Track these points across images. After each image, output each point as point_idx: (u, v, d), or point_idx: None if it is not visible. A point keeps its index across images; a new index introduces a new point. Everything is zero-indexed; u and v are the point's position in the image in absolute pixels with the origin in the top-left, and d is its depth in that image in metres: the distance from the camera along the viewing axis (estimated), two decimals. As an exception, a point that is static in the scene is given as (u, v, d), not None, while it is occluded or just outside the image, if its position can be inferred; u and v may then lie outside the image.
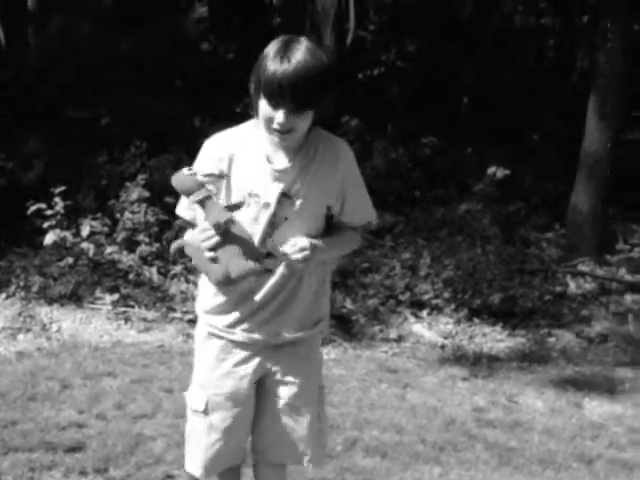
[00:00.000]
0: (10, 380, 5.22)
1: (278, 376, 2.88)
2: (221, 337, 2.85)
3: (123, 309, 6.73)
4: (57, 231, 6.94)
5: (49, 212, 7.17)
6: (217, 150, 2.73)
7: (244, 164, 2.70)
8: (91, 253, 6.85)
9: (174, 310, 6.77)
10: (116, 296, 6.74)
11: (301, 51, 2.53)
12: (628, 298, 8.08)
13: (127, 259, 6.93)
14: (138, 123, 10.00)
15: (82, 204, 7.69)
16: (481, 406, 5.48)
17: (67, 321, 6.56)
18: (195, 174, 2.57)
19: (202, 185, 2.57)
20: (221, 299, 2.81)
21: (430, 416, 5.18)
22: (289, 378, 2.88)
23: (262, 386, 2.92)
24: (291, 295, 2.79)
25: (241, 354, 2.85)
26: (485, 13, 18.54)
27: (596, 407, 5.67)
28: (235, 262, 2.56)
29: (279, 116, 2.56)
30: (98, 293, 6.82)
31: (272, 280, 2.74)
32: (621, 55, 9.26)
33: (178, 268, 7.39)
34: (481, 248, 7.92)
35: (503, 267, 7.46)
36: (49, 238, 6.89)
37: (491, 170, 9.10)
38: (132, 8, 10.81)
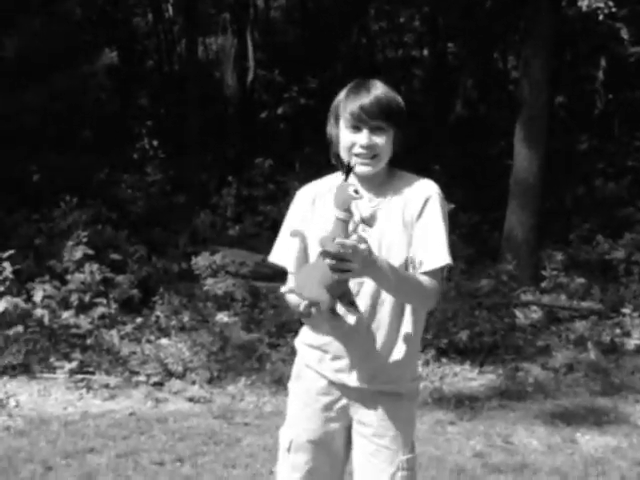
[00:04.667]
0: (-13, 467, 4.79)
1: (361, 429, 2.75)
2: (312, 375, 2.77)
3: (81, 377, 6.33)
4: (8, 298, 6.45)
5: (-3, 278, 6.70)
6: (304, 197, 2.79)
7: (326, 205, 2.65)
8: (47, 319, 6.39)
9: (137, 373, 6.41)
10: (74, 364, 6.31)
11: (375, 83, 2.68)
12: (579, 325, 8.14)
13: (84, 323, 6.52)
14: (47, 178, 9.68)
15: (23, 267, 7.21)
16: (481, 451, 5.34)
17: (24, 394, 6.12)
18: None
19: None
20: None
21: (438, 467, 5.01)
22: (371, 434, 2.73)
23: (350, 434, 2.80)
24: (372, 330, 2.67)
25: (328, 397, 2.75)
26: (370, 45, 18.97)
27: (590, 441, 5.60)
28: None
29: (362, 137, 2.59)
30: (53, 361, 6.39)
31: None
32: (545, 85, 9.43)
33: (129, 328, 7.05)
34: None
35: (464, 303, 7.37)
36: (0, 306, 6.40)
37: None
38: (35, 58, 10.36)
